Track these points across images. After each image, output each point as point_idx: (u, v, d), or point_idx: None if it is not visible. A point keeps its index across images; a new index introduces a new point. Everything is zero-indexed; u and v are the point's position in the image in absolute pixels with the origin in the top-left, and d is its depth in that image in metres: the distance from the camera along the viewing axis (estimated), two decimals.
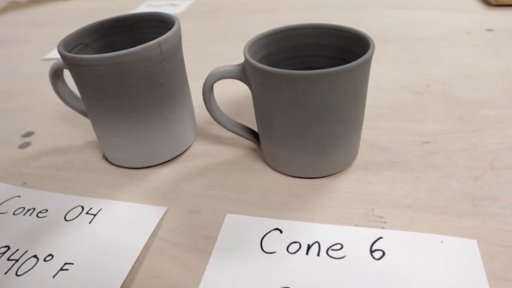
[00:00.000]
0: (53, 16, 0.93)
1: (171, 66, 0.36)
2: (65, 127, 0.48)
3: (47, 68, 0.65)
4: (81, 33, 0.38)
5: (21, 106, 0.54)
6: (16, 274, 0.31)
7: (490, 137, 0.39)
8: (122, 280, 0.29)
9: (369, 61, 0.31)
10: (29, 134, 0.48)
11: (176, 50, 0.36)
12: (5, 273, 0.31)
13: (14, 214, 0.36)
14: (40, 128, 0.49)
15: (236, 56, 0.61)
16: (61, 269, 0.30)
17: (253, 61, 0.31)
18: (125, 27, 0.41)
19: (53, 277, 0.30)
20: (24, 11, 0.98)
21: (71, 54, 0.33)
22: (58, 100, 0.54)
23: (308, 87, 0.30)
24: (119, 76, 0.33)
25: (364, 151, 0.38)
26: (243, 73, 0.34)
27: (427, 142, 0.39)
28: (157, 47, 0.33)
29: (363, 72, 0.31)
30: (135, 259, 0.30)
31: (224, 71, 0.34)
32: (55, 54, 0.70)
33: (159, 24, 0.40)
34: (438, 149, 0.38)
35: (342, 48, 0.36)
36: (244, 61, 0.33)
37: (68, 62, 0.34)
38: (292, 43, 0.37)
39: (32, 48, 0.75)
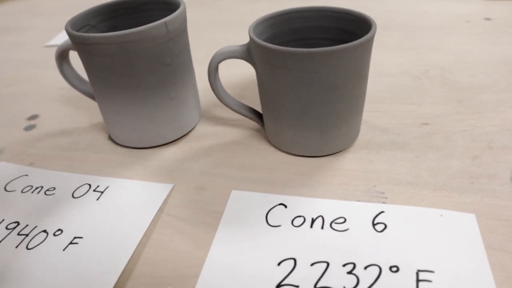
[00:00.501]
0: (53, 4, 0.93)
1: (177, 46, 0.36)
2: (69, 110, 0.49)
3: (49, 54, 0.66)
4: (88, 15, 0.38)
5: (25, 91, 0.55)
6: (27, 248, 0.31)
7: (488, 120, 0.40)
8: (131, 252, 0.30)
9: (371, 40, 0.32)
10: (33, 117, 0.49)
11: (182, 31, 0.37)
12: (16, 247, 0.31)
13: (22, 192, 0.37)
14: (45, 111, 0.49)
15: (238, 43, 0.62)
16: (70, 243, 0.31)
17: (259, 40, 0.32)
18: (131, 10, 0.41)
19: (63, 250, 0.31)
20: (25, 0, 0.98)
21: (79, 33, 0.34)
22: (62, 85, 0.55)
23: (313, 65, 0.30)
24: (127, 55, 0.34)
25: (365, 132, 0.39)
26: (248, 53, 0.35)
27: (427, 124, 0.40)
28: (164, 27, 0.34)
29: (366, 51, 0.32)
30: (143, 232, 0.31)
31: (229, 51, 0.35)
32: (57, 41, 0.70)
33: (164, 6, 0.40)
34: (438, 131, 0.39)
35: (344, 30, 0.37)
36: (249, 41, 0.34)
37: (77, 41, 0.34)
38: (295, 25, 0.38)
39: (33, 36, 0.75)
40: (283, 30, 0.38)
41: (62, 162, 0.40)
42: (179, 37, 0.36)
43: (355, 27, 0.36)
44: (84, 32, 0.38)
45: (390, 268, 0.27)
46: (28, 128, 0.46)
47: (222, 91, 0.37)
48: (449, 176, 0.34)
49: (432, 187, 0.33)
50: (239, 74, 0.52)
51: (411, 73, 0.49)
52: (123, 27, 0.41)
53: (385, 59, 0.53)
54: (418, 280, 0.26)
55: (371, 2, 0.74)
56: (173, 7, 0.39)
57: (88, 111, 0.48)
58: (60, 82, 0.56)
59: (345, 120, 0.34)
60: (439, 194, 0.32)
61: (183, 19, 0.37)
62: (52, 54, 0.66)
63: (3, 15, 0.89)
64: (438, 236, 0.28)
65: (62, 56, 0.40)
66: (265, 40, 0.36)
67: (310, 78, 0.31)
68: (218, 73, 0.37)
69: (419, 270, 0.26)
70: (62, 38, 0.71)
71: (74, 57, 0.42)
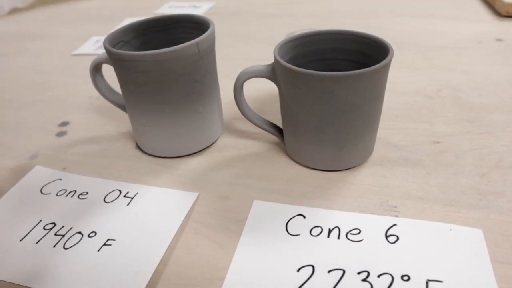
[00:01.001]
0: (78, 13, 0.96)
1: (206, 64, 0.39)
2: (98, 119, 0.52)
3: (76, 63, 0.69)
4: (123, 31, 0.41)
5: (55, 98, 0.58)
6: (64, 247, 0.34)
7: (497, 140, 0.42)
8: (162, 254, 0.32)
9: (388, 65, 0.34)
10: (64, 124, 0.51)
11: (210, 50, 0.39)
12: (54, 246, 0.34)
13: (57, 195, 0.40)
14: (75, 118, 0.52)
15: (256, 57, 0.65)
16: (104, 244, 0.34)
17: (283, 62, 0.35)
18: (161, 27, 0.44)
19: (98, 250, 0.33)
20: (51, 8, 1.02)
21: (117, 50, 0.36)
22: (90, 93, 0.58)
23: (334, 87, 0.33)
24: (160, 71, 0.36)
25: (379, 149, 0.41)
26: (272, 73, 0.37)
27: (438, 142, 0.42)
28: (195, 46, 0.37)
29: (382, 75, 0.35)
30: (172, 236, 0.34)
31: (255, 71, 0.38)
32: (83, 50, 0.73)
33: (193, 25, 0.43)
34: (448, 149, 0.41)
35: (362, 53, 0.39)
36: (274, 62, 0.37)
37: (114, 58, 0.37)
38: (316, 47, 0.41)
39: (60, 44, 0.78)
40: (305, 51, 0.40)
41: (93, 168, 0.43)
42: (208, 55, 0.39)
43: (373, 51, 0.38)
44: (119, 47, 0.41)
45: (402, 277, 0.29)
46: (60, 134, 0.49)
47: (246, 107, 0.40)
48: (458, 193, 0.36)
49: (442, 202, 0.35)
50: (259, 89, 0.55)
51: (424, 92, 0.52)
52: (154, 43, 0.44)
53: (398, 78, 0.55)
54: None
55: (385, 22, 0.76)
56: (201, 25, 0.42)
57: (116, 120, 0.51)
58: (88, 90, 0.59)
59: (361, 138, 0.37)
60: (448, 210, 0.34)
61: (212, 39, 0.39)
62: (79, 62, 0.69)
63: (30, 22, 0.93)
64: (447, 248, 0.31)
65: (96, 69, 0.43)
66: (288, 60, 0.39)
67: (330, 98, 0.34)
68: (243, 91, 0.39)
69: (428, 280, 0.28)
70: (88, 47, 0.75)
71: (105, 69, 0.44)
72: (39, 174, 0.43)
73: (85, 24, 0.88)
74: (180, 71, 0.37)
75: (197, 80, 0.39)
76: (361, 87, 0.33)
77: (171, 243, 0.33)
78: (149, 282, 0.30)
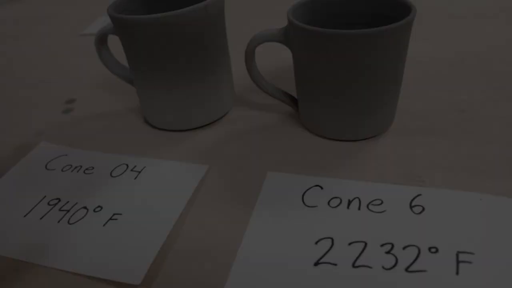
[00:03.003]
0: None
1: (215, 30, 0.37)
2: (105, 96, 0.50)
3: (82, 43, 0.67)
4: (128, 0, 0.39)
5: (62, 76, 0.56)
6: (68, 223, 0.32)
7: None
8: (170, 227, 0.30)
9: (411, 22, 0.32)
10: (71, 101, 0.50)
11: (220, 15, 0.37)
12: (58, 222, 0.33)
13: (62, 170, 0.38)
14: (81, 96, 0.51)
15: None
16: (110, 219, 0.32)
17: (298, 22, 0.32)
18: None
19: (104, 225, 0.32)
20: None
21: (122, 15, 0.35)
22: (97, 72, 0.56)
23: (354, 47, 0.31)
24: (167, 37, 0.34)
25: (400, 118, 0.39)
26: (285, 36, 0.35)
27: (463, 111, 0.40)
28: (204, 10, 0.35)
29: (405, 34, 0.32)
30: (181, 209, 0.32)
31: (267, 34, 0.35)
32: (90, 30, 0.72)
33: None
34: (474, 117, 0.39)
35: (382, 15, 0.37)
36: (287, 25, 0.34)
37: (119, 24, 0.35)
38: (332, 11, 0.38)
39: (67, 25, 0.77)
40: (318, 17, 0.38)
41: (99, 143, 0.41)
42: (217, 21, 0.37)
43: (393, 11, 0.35)
44: None
45: (429, 248, 0.27)
46: (66, 111, 0.48)
47: (258, 75, 0.38)
48: (486, 161, 0.33)
49: (469, 171, 0.33)
50: (268, 65, 0.52)
51: (445, 61, 0.49)
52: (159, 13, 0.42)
53: (417, 47, 0.52)
54: (458, 261, 0.26)
55: None
56: None
57: (123, 97, 0.49)
58: (94, 69, 0.57)
59: (382, 103, 0.34)
60: (476, 179, 0.32)
61: (222, 3, 0.37)
62: (85, 42, 0.67)
63: (35, 6, 0.91)
64: (478, 219, 0.28)
65: (101, 42, 0.41)
66: None
67: (350, 60, 0.31)
68: (254, 56, 0.37)
69: (459, 252, 0.26)
70: (95, 27, 0.73)
71: (112, 45, 0.42)
72: (44, 150, 0.41)
73: (91, 7, 0.86)
74: (188, 37, 0.35)
75: (206, 46, 0.36)
76: (382, 46, 0.31)
77: (180, 216, 0.31)
78: (157, 256, 0.28)
